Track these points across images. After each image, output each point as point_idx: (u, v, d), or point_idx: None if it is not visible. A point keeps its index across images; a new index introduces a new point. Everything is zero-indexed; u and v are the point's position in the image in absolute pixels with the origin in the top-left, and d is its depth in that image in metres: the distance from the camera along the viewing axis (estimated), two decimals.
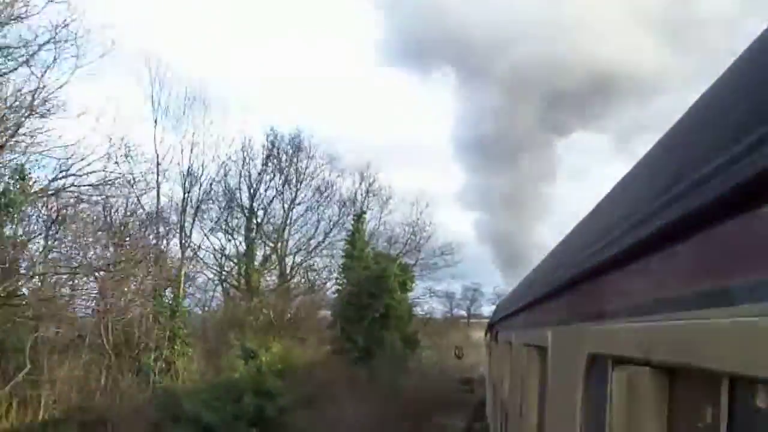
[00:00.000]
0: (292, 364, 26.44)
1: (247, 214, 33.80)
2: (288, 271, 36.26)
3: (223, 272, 34.47)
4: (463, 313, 60.55)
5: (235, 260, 33.47)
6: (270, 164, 34.49)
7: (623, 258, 2.00)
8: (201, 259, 33.30)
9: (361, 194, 37.65)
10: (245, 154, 33.31)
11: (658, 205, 1.59)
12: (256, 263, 33.22)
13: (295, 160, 35.31)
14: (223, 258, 34.01)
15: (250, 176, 33.95)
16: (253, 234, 33.45)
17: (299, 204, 35.68)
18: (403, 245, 38.52)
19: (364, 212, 36.27)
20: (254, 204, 34.06)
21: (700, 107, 1.69)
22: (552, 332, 3.92)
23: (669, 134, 1.99)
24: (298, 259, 36.93)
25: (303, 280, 37.39)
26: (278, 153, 35.00)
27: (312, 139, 36.66)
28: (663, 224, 1.53)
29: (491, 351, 14.26)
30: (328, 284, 37.45)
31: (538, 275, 5.71)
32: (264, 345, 26.14)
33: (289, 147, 35.30)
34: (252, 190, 33.98)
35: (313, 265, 37.65)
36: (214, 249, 33.79)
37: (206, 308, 34.15)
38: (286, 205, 35.38)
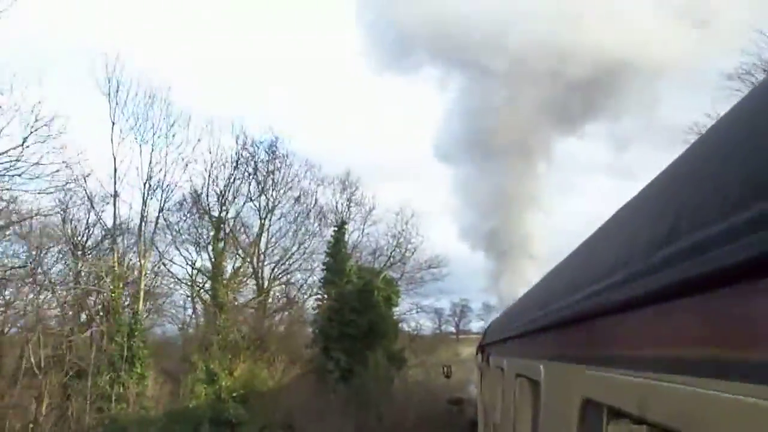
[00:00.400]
0: (257, 388, 23.91)
1: (215, 224, 31.20)
2: (265, 285, 33.74)
3: (195, 287, 31.93)
4: (452, 329, 59.14)
5: (208, 274, 30.95)
6: (241, 169, 32.00)
7: (625, 304, 1.89)
8: (171, 273, 30.80)
9: (343, 204, 35.39)
10: (213, 158, 30.83)
11: (662, 257, 1.51)
12: (226, 276, 30.58)
13: (270, 167, 32.84)
14: (195, 272, 31.40)
15: (217, 181, 31.35)
16: (221, 245, 30.88)
17: (273, 213, 33.10)
18: (387, 258, 36.37)
19: (346, 222, 33.99)
20: (222, 213, 31.46)
21: (709, 144, 1.60)
22: (544, 366, 3.92)
23: (673, 168, 1.95)
24: (275, 271, 34.32)
25: (281, 295, 34.86)
26: (253, 158, 32.53)
27: (289, 146, 34.24)
28: (667, 279, 1.45)
29: (482, 373, 13.82)
30: (309, 301, 34.96)
31: (532, 302, 5.53)
32: (229, 367, 23.64)
33: (263, 152, 32.84)
34: (222, 198, 31.41)
35: (291, 279, 35.16)
36: (186, 262, 31.24)
37: (182, 327, 31.61)
38: (262, 214, 32.86)
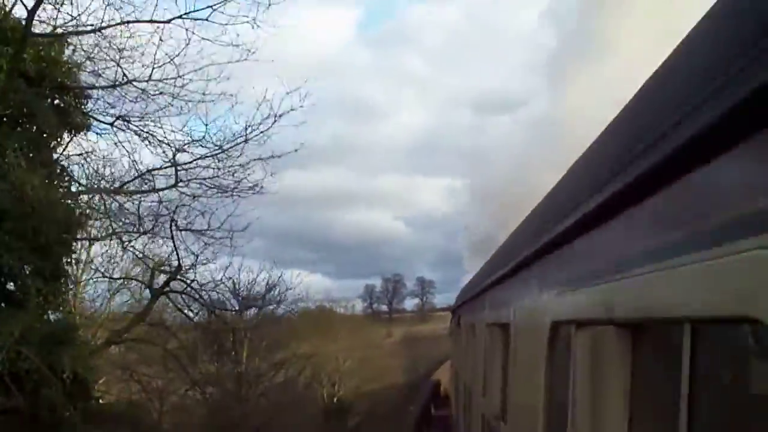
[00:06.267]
0: None
1: None
2: None
3: None
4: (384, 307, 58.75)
5: None
6: None
7: (583, 225, 2.25)
8: None
9: None
10: None
11: (610, 173, 1.86)
12: None
13: None
14: None
15: None
16: None
17: None
18: None
19: None
20: None
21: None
22: (515, 308, 4.33)
23: (633, 101, 2.22)
24: None
25: None
26: None
27: None
28: (617, 189, 1.79)
29: (454, 338, 15.37)
30: None
31: (499, 255, 6.30)
32: None
33: None
34: None
35: None
36: None
37: None
38: None
